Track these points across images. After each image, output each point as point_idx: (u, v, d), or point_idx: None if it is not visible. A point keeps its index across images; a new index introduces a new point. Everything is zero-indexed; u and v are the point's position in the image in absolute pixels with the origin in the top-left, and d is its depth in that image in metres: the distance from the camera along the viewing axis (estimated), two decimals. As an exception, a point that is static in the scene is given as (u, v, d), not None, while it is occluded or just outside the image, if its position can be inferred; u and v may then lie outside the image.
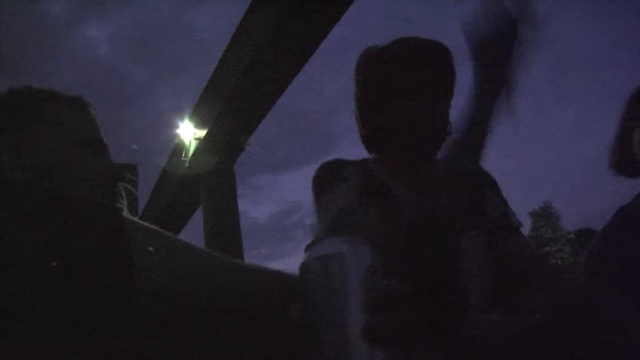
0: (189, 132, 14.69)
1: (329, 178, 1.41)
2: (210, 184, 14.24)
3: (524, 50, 1.33)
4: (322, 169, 1.44)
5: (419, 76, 1.40)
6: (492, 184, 1.51)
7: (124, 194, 1.10)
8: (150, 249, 0.77)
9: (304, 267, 0.70)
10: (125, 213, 0.96)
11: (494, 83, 1.34)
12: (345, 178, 1.39)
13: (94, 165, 1.04)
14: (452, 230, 1.34)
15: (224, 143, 13.87)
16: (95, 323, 0.69)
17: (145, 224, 0.85)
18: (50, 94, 1.08)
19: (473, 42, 1.36)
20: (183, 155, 14.93)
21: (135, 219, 0.85)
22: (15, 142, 0.99)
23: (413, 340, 0.69)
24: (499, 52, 1.34)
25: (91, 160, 1.04)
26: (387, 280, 0.69)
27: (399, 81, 1.41)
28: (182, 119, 14.88)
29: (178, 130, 15.04)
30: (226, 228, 13.44)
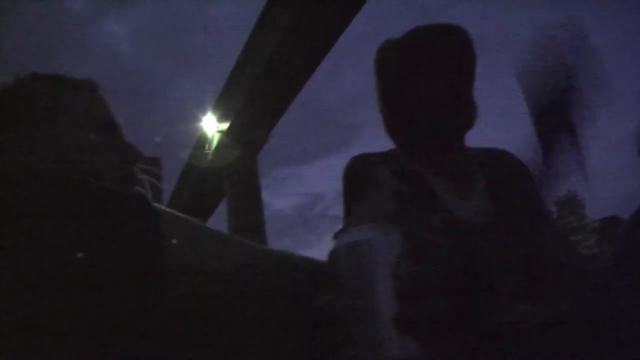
0: (211, 125, 14.73)
1: (362, 173, 1.40)
2: (233, 176, 14.29)
3: (585, 100, 1.30)
4: (353, 163, 1.43)
5: (438, 61, 1.39)
6: (523, 169, 1.50)
7: (145, 183, 1.08)
8: (174, 241, 0.77)
9: (332, 254, 0.70)
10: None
11: (559, 140, 1.32)
12: (379, 172, 1.39)
13: (109, 148, 1.02)
14: (484, 218, 1.33)
15: (247, 135, 13.90)
16: (126, 314, 0.69)
17: (174, 211, 0.85)
18: (58, 79, 1.06)
19: (532, 100, 1.34)
20: (206, 148, 14.97)
21: (163, 207, 0.85)
22: (27, 131, 0.97)
23: (444, 327, 0.68)
24: (560, 106, 1.31)
25: (105, 143, 1.02)
26: (417, 267, 0.69)
27: (419, 69, 1.40)
28: (204, 112, 14.92)
29: (201, 123, 15.09)
30: (250, 220, 13.48)
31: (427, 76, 1.39)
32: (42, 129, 0.98)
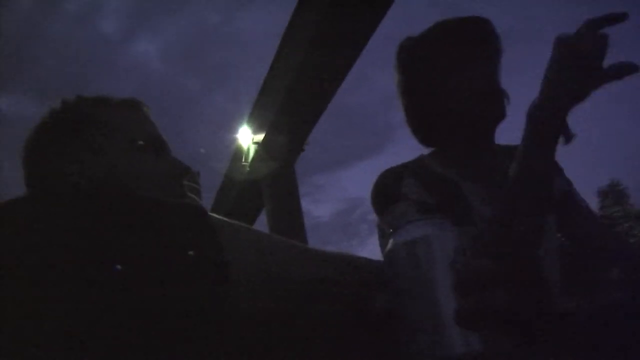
0: (247, 137, 14.83)
1: (389, 192, 1.38)
2: (272, 186, 14.34)
3: None
4: (381, 180, 1.41)
5: (462, 53, 1.37)
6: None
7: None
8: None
9: (390, 253, 0.70)
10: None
11: None
12: (406, 188, 1.36)
13: (158, 164, 1.04)
14: None
15: (283, 144, 13.95)
16: (189, 325, 0.70)
17: (231, 220, 0.86)
18: (103, 100, 1.09)
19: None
20: (243, 160, 15.07)
21: (219, 216, 0.86)
22: (76, 152, 1.00)
23: (506, 320, 0.68)
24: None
25: (153, 160, 1.04)
26: (477, 260, 0.68)
27: (443, 63, 1.38)
28: (239, 124, 15.03)
29: (237, 135, 15.20)
30: (291, 229, 13.50)
31: (454, 69, 1.37)
32: (91, 149, 1.00)
